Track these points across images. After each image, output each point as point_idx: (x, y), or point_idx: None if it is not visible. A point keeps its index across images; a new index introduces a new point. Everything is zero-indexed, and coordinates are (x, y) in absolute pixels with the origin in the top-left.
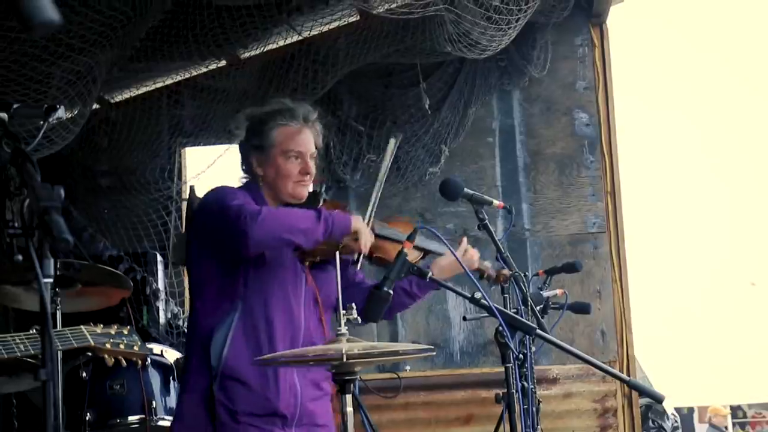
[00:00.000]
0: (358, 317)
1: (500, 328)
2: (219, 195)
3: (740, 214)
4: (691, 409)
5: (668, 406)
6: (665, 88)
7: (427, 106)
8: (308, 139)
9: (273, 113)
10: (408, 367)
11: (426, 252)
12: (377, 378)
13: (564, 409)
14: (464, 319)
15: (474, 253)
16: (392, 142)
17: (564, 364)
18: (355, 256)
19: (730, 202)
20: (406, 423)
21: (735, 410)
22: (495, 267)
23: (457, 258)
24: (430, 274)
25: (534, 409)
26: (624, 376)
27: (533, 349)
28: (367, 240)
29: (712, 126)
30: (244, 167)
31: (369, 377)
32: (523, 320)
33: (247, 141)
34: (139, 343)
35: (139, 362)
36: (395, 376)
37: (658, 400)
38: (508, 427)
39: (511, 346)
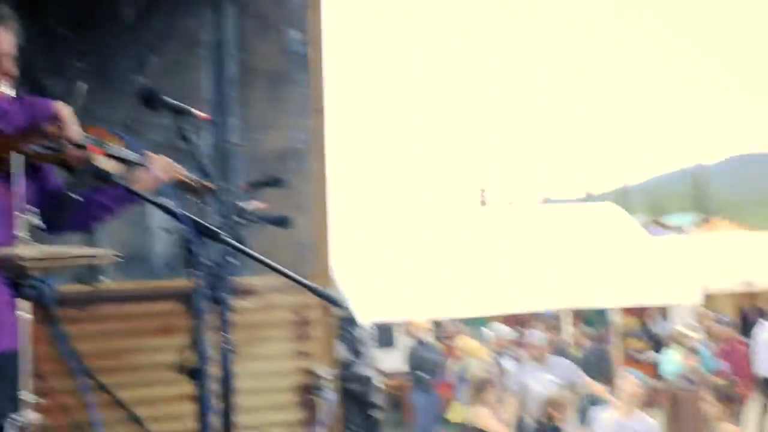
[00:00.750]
0: (43, 224)
1: (186, 235)
2: None
3: (448, 136)
4: (393, 324)
5: (369, 320)
6: (378, 8)
7: (132, 15)
8: (4, 38)
9: None
10: (105, 279)
11: (126, 162)
12: (72, 290)
13: (262, 320)
14: (165, 230)
15: (173, 165)
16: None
17: (264, 276)
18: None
19: (439, 124)
20: (101, 335)
21: (436, 325)
22: (197, 179)
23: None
24: (125, 183)
25: (227, 319)
26: (311, 284)
27: (230, 259)
28: (73, 127)
29: (430, 45)
30: None
31: (64, 288)
32: (212, 227)
33: None
34: None
35: None
36: (90, 287)
37: (341, 306)
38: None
39: (197, 253)
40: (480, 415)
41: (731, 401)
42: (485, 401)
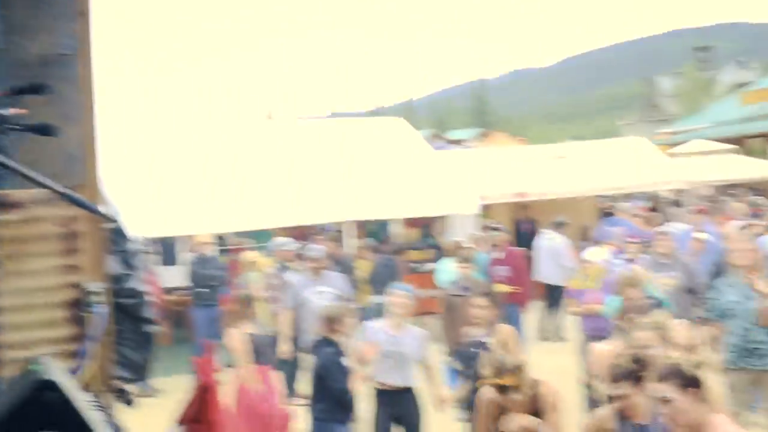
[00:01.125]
0: None
1: None
2: None
3: (231, 45)
4: (177, 240)
5: (150, 234)
6: None
7: None
8: None
9: None
10: None
11: None
12: None
13: (27, 234)
14: None
15: None
16: None
17: (28, 187)
18: None
19: (221, 31)
20: None
21: (220, 240)
22: None
23: None
24: None
25: None
26: (73, 194)
27: None
28: None
29: None
30: None
31: None
32: None
33: None
34: None
35: None
36: None
37: (106, 218)
38: None
39: None
40: (231, 335)
41: (499, 306)
42: (247, 319)
